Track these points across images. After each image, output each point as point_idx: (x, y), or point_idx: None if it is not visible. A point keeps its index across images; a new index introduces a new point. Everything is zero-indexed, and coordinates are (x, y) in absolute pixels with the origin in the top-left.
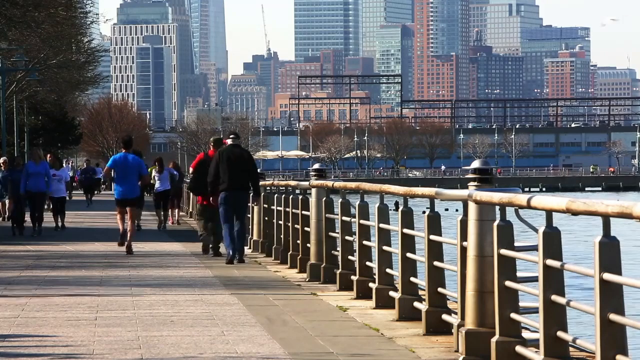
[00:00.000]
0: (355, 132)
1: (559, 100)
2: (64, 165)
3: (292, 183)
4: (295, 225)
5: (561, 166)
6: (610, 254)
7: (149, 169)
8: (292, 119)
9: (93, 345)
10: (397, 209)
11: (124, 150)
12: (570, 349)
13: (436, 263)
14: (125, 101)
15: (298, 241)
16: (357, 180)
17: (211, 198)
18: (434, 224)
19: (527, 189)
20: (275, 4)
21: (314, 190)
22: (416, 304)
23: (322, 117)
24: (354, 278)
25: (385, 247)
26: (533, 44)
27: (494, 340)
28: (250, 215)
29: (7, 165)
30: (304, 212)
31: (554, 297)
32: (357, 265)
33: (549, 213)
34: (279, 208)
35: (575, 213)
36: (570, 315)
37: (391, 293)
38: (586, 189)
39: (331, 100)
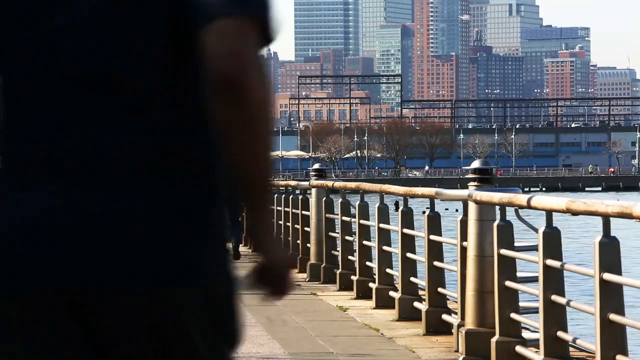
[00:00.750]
0: (355, 132)
1: (559, 100)
2: None
3: (292, 183)
4: (295, 225)
5: (561, 166)
6: (610, 254)
7: None
8: (292, 119)
9: None
10: (397, 209)
11: None
12: (570, 349)
13: (436, 263)
14: None
15: (298, 241)
16: (357, 180)
17: None
18: (434, 224)
19: (527, 189)
20: (275, 3)
21: (314, 190)
22: (416, 304)
23: (322, 117)
24: (354, 278)
25: (385, 247)
26: (533, 44)
27: (494, 340)
28: None
29: None
30: (304, 212)
31: (554, 297)
32: (357, 265)
33: (549, 213)
34: (279, 208)
35: (575, 213)
36: (570, 315)
37: (391, 293)
38: (586, 189)
39: (331, 100)
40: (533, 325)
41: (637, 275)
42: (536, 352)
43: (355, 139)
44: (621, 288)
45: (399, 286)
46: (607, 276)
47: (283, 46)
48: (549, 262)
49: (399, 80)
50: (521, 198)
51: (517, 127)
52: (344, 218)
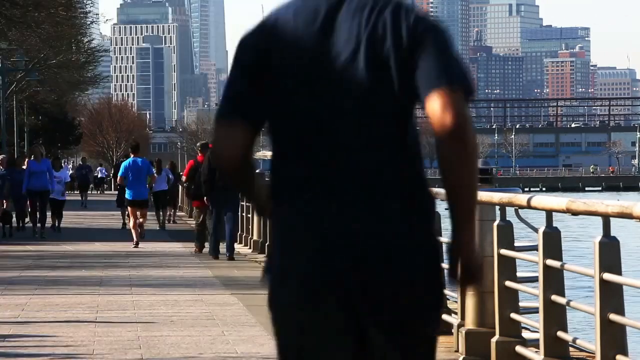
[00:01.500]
0: None
1: (559, 100)
2: (63, 166)
3: None
4: None
5: (561, 166)
6: (610, 254)
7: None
8: None
9: (93, 345)
10: None
11: (132, 155)
12: (570, 349)
13: None
14: (125, 101)
15: None
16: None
17: (205, 198)
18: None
19: (527, 189)
20: (275, 4)
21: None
22: None
23: None
24: None
25: None
26: (533, 44)
27: (494, 340)
28: (250, 216)
29: (5, 164)
30: None
31: (554, 297)
32: None
33: (549, 213)
34: None
35: (575, 213)
36: (570, 315)
37: None
38: (586, 189)
39: None
40: (533, 325)
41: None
42: (536, 352)
43: None
44: (621, 288)
45: None
46: (607, 276)
47: None
48: (549, 262)
49: None
50: (521, 198)
51: (517, 127)
52: None
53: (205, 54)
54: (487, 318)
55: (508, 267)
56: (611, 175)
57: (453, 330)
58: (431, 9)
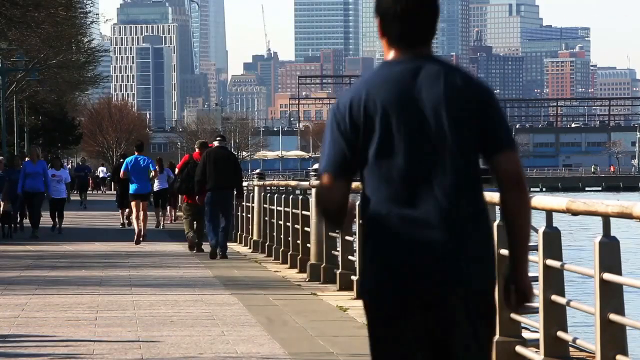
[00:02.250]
0: None
1: (559, 100)
2: (63, 165)
3: (292, 183)
4: (295, 225)
5: (561, 166)
6: (610, 254)
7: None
8: (292, 119)
9: (93, 345)
10: None
11: (136, 153)
12: (570, 349)
13: None
14: (125, 101)
15: (298, 241)
16: (357, 181)
17: (197, 197)
18: None
19: None
20: (275, 4)
21: (314, 190)
22: None
23: (322, 117)
24: (354, 278)
25: None
26: (533, 44)
27: (494, 340)
28: (250, 216)
29: (2, 165)
30: (304, 212)
31: (554, 297)
32: (357, 265)
33: (549, 213)
34: (279, 208)
35: (575, 213)
36: (570, 315)
37: None
38: (586, 189)
39: (331, 100)
40: (533, 325)
41: (637, 275)
42: (536, 352)
43: None
44: (621, 288)
45: None
46: (607, 276)
47: (283, 46)
48: (549, 262)
49: None
50: None
51: (517, 127)
52: None
53: (205, 54)
54: None
55: None
56: (611, 175)
57: None
58: None
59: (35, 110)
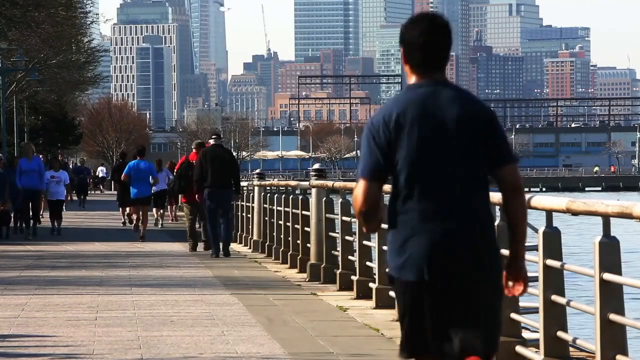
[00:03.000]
0: (355, 132)
1: (559, 100)
2: (67, 166)
3: (292, 183)
4: (295, 225)
5: (561, 166)
6: (610, 254)
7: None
8: (292, 119)
9: (93, 345)
10: None
11: (138, 158)
12: (570, 349)
13: None
14: (125, 101)
15: (298, 241)
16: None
17: (197, 195)
18: None
19: (527, 189)
20: (275, 4)
21: (314, 191)
22: None
23: (322, 117)
24: (354, 278)
25: (385, 247)
26: (533, 44)
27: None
28: (250, 216)
29: (2, 164)
30: (304, 212)
31: (554, 297)
32: (357, 265)
33: (549, 213)
34: (279, 208)
35: (575, 213)
36: (570, 315)
37: (391, 293)
38: (586, 189)
39: (331, 100)
40: (533, 325)
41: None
42: (536, 352)
43: (356, 139)
44: (621, 288)
45: None
46: (607, 276)
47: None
48: (549, 262)
49: (399, 80)
50: None
51: (517, 127)
52: (344, 218)
53: (205, 54)
54: None
55: None
56: (611, 175)
57: None
58: (431, 9)
59: (35, 110)
